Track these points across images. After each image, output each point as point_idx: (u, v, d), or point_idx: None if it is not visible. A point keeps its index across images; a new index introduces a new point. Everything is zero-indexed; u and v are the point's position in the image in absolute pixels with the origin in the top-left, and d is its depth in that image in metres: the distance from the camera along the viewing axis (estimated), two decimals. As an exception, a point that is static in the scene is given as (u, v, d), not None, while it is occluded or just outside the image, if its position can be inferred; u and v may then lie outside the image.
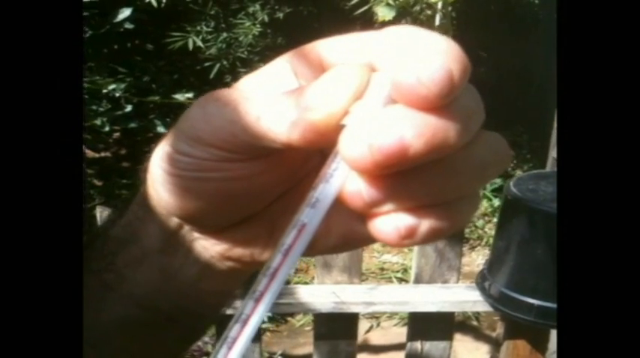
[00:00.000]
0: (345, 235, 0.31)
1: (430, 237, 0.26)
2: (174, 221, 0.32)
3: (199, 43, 2.80)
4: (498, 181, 3.55)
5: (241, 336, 0.25)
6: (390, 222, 0.25)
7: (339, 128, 0.24)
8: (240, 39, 2.94)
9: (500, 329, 1.53)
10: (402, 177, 0.24)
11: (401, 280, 2.90)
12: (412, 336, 1.56)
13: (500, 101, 4.14)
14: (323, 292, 1.45)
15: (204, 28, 2.95)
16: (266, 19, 2.96)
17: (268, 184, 0.30)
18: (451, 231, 0.27)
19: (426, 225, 0.25)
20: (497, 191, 3.49)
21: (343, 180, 0.25)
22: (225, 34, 2.97)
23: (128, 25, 2.59)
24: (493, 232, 3.04)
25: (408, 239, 0.25)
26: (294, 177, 0.31)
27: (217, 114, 0.27)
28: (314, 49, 0.29)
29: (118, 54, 2.75)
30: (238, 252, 0.32)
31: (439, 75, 0.22)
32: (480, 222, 3.41)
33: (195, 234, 0.32)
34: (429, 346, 1.55)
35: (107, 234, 0.34)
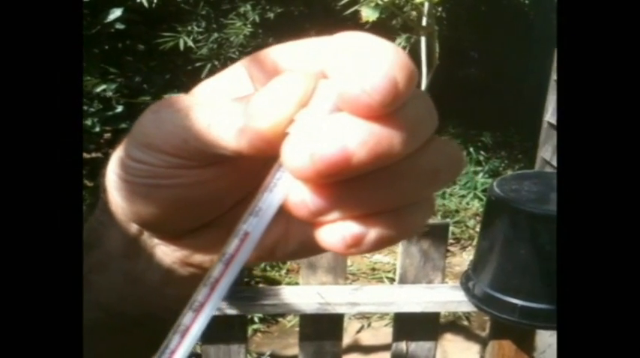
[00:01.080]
0: (303, 241, 0.31)
1: (379, 245, 0.26)
2: (135, 226, 0.32)
3: (190, 44, 2.79)
4: (490, 181, 3.55)
5: (180, 348, 0.25)
6: (336, 230, 0.25)
7: (285, 136, 0.24)
8: (232, 39, 2.93)
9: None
10: (348, 184, 0.24)
11: (392, 280, 2.90)
12: (397, 337, 1.56)
13: (491, 101, 4.15)
14: (308, 293, 1.45)
15: (196, 29, 2.93)
16: (257, 19, 2.95)
17: (225, 190, 0.30)
18: (403, 237, 0.27)
19: (373, 233, 0.25)
20: (488, 191, 3.48)
21: (287, 188, 0.25)
22: (216, 35, 2.96)
23: (119, 26, 2.58)
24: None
25: (355, 247, 0.25)
26: (252, 182, 0.30)
27: (169, 120, 0.27)
28: (269, 54, 0.29)
29: (109, 54, 2.74)
30: (199, 258, 0.32)
31: (382, 83, 0.22)
32: (470, 222, 3.41)
33: (156, 240, 0.32)
34: (414, 346, 1.55)
35: None
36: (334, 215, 0.25)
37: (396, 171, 0.25)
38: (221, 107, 0.26)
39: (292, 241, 0.31)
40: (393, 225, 0.26)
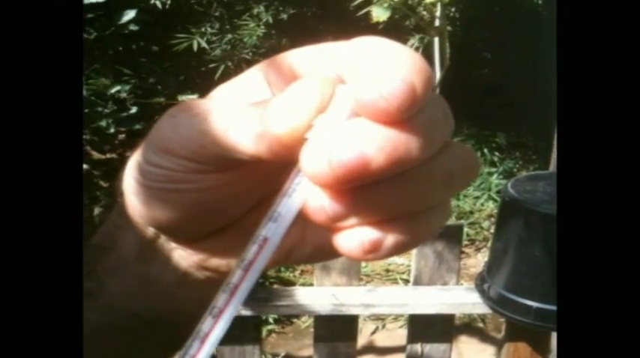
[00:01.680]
0: (320, 245, 0.31)
1: (397, 250, 0.26)
2: (151, 230, 0.32)
3: (204, 45, 2.80)
4: (504, 182, 3.52)
5: (199, 355, 0.25)
6: (354, 236, 0.25)
7: (304, 141, 0.24)
8: (245, 40, 2.93)
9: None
10: (365, 190, 0.24)
11: (406, 282, 2.88)
12: (412, 338, 1.55)
13: (505, 102, 4.13)
14: (322, 294, 1.45)
15: (209, 30, 2.94)
16: (270, 20, 2.95)
17: (242, 195, 0.30)
18: (420, 242, 0.27)
19: (391, 238, 0.25)
20: (502, 192, 3.45)
21: (306, 194, 0.25)
22: (229, 36, 2.96)
23: (133, 27, 2.59)
24: (497, 233, 3.02)
25: (373, 253, 0.25)
26: (269, 186, 0.31)
27: (186, 124, 0.27)
28: (286, 59, 0.29)
29: (123, 55, 2.75)
30: (215, 262, 0.32)
31: (400, 88, 0.22)
32: (485, 224, 3.39)
33: (172, 244, 0.32)
34: (429, 348, 1.54)
35: (88, 242, 0.34)
36: (352, 220, 0.25)
37: (413, 176, 0.25)
38: (239, 112, 0.26)
39: (309, 245, 0.31)
40: (410, 230, 0.26)
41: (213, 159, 0.27)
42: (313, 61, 0.28)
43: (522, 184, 1.27)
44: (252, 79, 0.30)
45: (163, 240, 0.32)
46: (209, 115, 0.27)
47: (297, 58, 0.28)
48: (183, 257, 0.33)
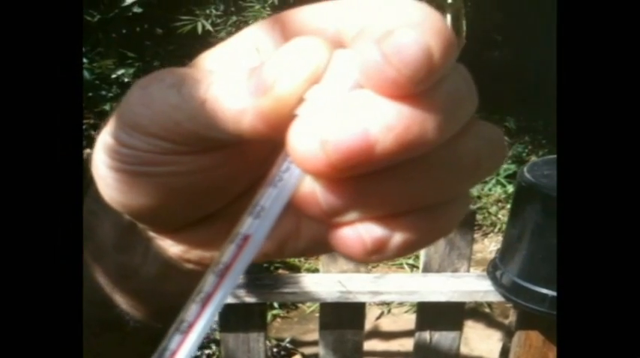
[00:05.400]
0: (317, 238, 0.27)
1: (407, 250, 0.21)
2: (128, 217, 0.28)
3: (209, 27, 2.77)
4: (512, 167, 3.49)
5: None
6: (354, 234, 0.21)
7: (293, 118, 0.19)
8: (250, 22, 2.89)
9: (512, 317, 1.49)
10: (369, 178, 0.20)
11: (412, 267, 2.86)
12: (421, 326, 1.53)
13: (514, 85, 4.07)
14: (329, 281, 1.41)
15: (214, 12, 2.91)
16: (276, 2, 2.91)
17: (226, 180, 0.26)
18: (435, 240, 0.22)
19: (399, 237, 0.21)
20: (511, 177, 3.43)
21: (295, 183, 0.20)
22: (234, 18, 2.93)
23: (137, 9, 2.56)
24: (506, 219, 3.00)
25: (377, 254, 0.21)
26: (258, 170, 0.26)
27: (159, 97, 0.23)
28: (278, 19, 0.24)
29: (127, 38, 2.72)
30: (198, 253, 0.29)
31: (413, 53, 0.18)
32: (493, 209, 3.36)
33: (151, 233, 0.28)
34: (438, 336, 1.52)
35: None
36: (352, 215, 0.20)
37: (430, 161, 0.20)
38: (218, 81, 0.22)
39: (304, 238, 0.27)
40: (424, 227, 0.21)
41: (190, 138, 0.23)
42: (309, 21, 0.23)
43: (540, 168, 1.21)
44: (241, 43, 0.26)
45: (142, 227, 0.28)
46: (185, 86, 0.23)
47: (291, 18, 0.24)
48: (164, 247, 0.29)
